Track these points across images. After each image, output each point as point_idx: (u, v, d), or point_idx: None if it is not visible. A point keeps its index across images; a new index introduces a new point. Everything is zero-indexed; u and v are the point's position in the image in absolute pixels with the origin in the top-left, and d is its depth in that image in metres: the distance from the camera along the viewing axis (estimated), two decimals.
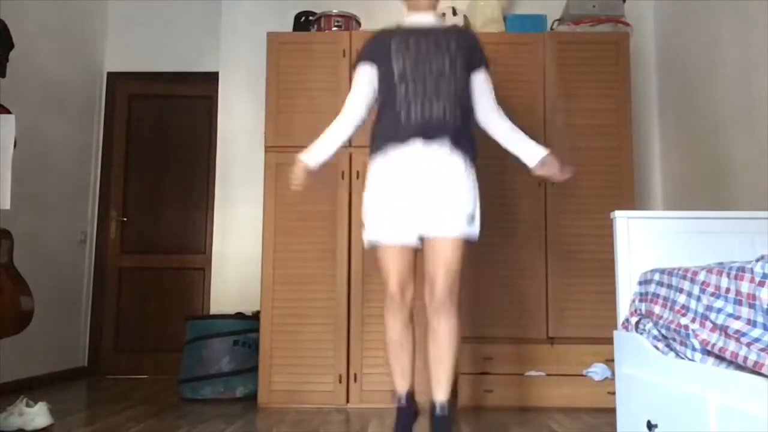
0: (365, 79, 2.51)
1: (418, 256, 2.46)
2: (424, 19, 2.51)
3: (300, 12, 4.03)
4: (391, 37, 2.47)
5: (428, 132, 2.35)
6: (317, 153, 2.52)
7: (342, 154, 3.52)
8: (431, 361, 2.37)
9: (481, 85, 2.51)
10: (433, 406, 2.36)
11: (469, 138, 2.44)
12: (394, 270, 2.37)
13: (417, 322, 2.50)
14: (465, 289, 3.44)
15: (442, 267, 2.33)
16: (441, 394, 2.34)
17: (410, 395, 2.45)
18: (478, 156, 2.52)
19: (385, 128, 2.43)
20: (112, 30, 4.94)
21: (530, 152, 2.49)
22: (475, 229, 2.40)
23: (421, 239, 2.40)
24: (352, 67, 2.58)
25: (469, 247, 2.42)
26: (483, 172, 2.54)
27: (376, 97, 2.53)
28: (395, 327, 2.40)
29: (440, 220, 2.34)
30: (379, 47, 2.48)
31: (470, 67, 2.47)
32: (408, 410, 2.43)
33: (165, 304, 4.74)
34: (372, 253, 2.53)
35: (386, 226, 2.37)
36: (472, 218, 2.38)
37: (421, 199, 2.35)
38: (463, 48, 2.45)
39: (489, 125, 2.53)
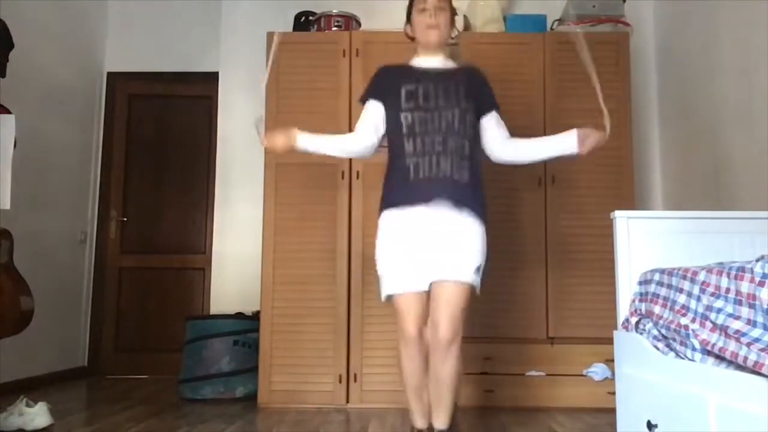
0: (374, 117, 2.49)
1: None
2: (433, 61, 2.50)
3: (300, 12, 4.03)
4: (401, 81, 2.44)
5: (436, 190, 2.34)
6: (311, 139, 2.50)
7: None
8: (432, 394, 2.40)
9: (493, 125, 2.50)
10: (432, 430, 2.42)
11: (478, 194, 2.43)
12: (411, 314, 2.36)
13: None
14: None
15: (447, 310, 2.32)
16: (441, 423, 2.39)
17: (430, 429, 2.47)
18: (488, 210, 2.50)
19: (395, 182, 2.43)
20: (112, 30, 4.94)
21: (564, 143, 2.48)
22: (479, 280, 2.40)
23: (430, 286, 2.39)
24: (361, 100, 2.54)
25: (473, 296, 2.41)
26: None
27: (382, 136, 2.52)
28: (414, 371, 2.40)
29: (449, 267, 2.34)
30: (390, 89, 2.46)
31: (480, 112, 2.47)
32: None
33: (165, 304, 4.74)
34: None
35: (401, 278, 2.37)
36: (478, 270, 2.39)
37: (431, 254, 2.35)
38: (472, 91, 2.44)
39: (505, 151, 2.51)
